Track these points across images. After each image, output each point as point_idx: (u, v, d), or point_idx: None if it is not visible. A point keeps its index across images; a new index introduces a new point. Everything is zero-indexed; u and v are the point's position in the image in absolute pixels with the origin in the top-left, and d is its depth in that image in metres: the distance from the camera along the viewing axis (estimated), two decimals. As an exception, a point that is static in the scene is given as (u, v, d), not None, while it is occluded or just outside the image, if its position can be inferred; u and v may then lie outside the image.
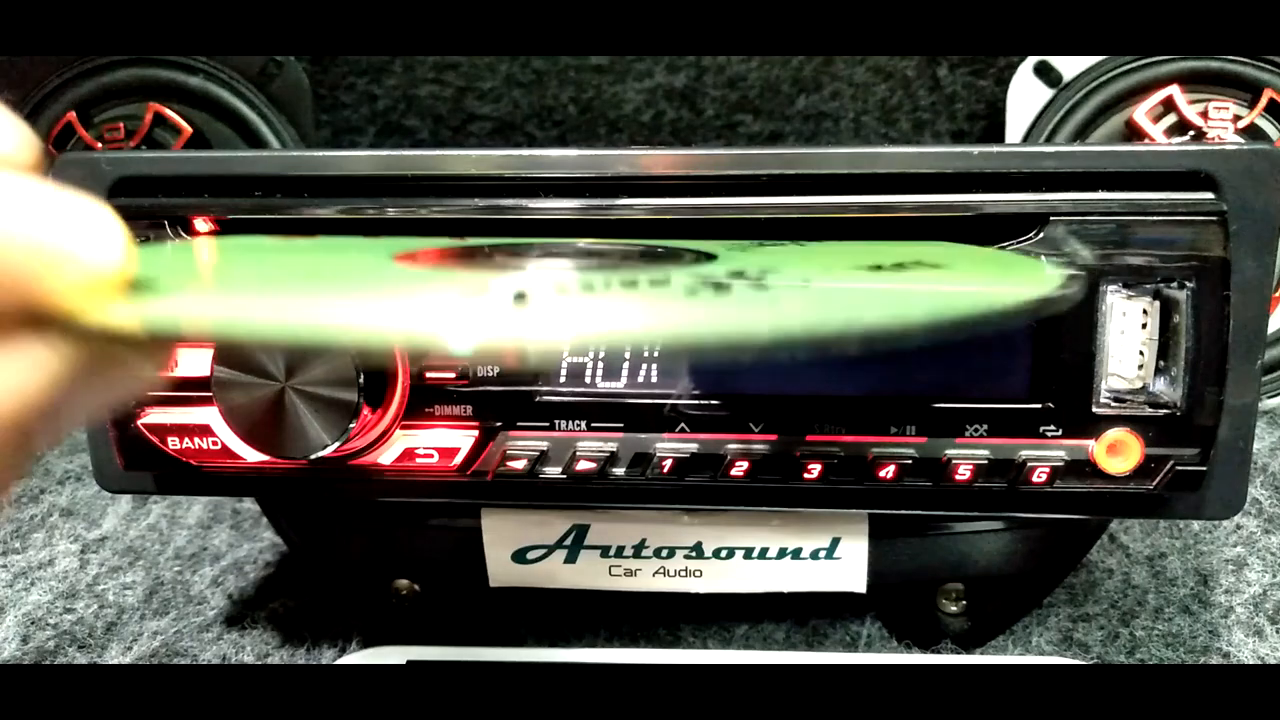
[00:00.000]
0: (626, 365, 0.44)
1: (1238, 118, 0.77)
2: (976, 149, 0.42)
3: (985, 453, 0.43)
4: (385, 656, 0.49)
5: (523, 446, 0.45)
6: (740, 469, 0.44)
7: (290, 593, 0.60)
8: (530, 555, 0.52)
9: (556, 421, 0.45)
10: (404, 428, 0.45)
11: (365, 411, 0.43)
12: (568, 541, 0.52)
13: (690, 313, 0.25)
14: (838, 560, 0.51)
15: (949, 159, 0.42)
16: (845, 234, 0.42)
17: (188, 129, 0.84)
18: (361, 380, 0.43)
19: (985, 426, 0.43)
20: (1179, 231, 0.41)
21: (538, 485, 0.46)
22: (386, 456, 0.46)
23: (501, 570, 0.53)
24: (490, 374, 0.45)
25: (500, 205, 0.43)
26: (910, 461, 0.43)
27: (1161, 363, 0.42)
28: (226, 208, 0.45)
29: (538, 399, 0.45)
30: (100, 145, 0.84)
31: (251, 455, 0.46)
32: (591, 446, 0.45)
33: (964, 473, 0.43)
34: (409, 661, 0.48)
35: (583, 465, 0.45)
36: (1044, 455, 0.43)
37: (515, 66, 0.88)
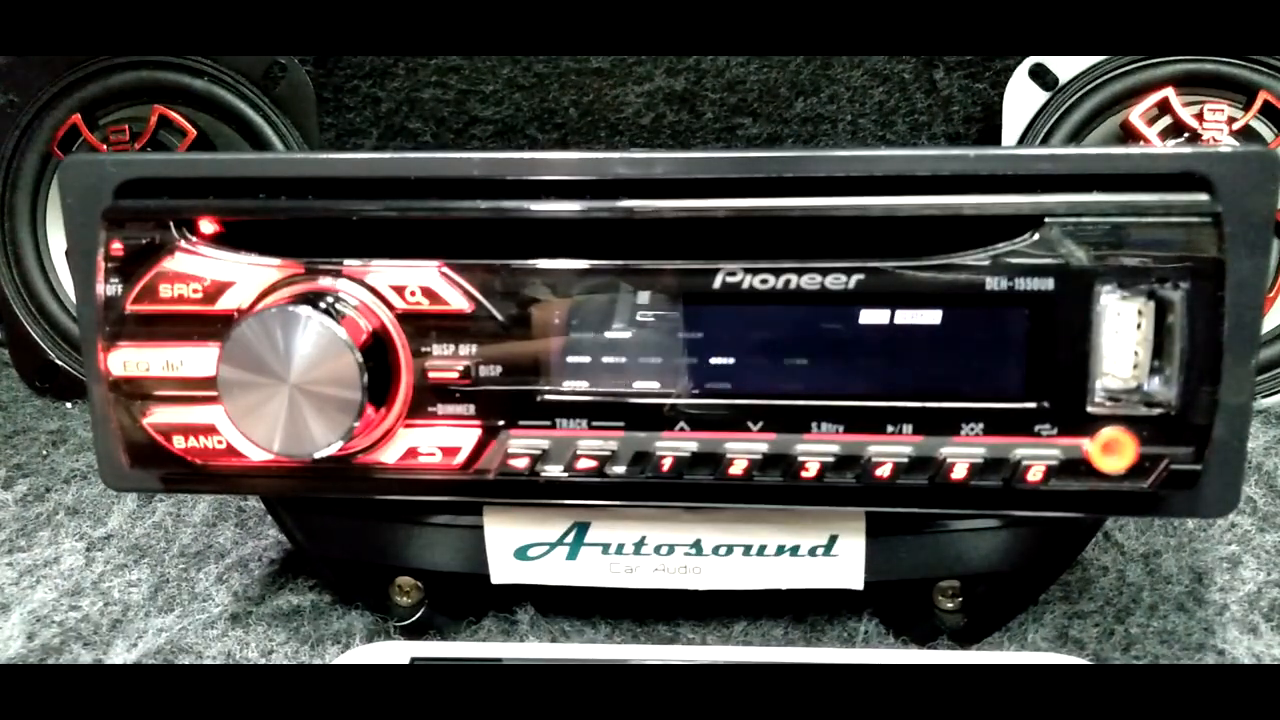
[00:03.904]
0: (627, 365, 0.45)
1: (1232, 120, 0.77)
2: (973, 151, 0.43)
3: (981, 451, 0.44)
4: (388, 653, 0.49)
5: (524, 445, 0.46)
6: (739, 467, 0.45)
7: (294, 590, 0.60)
8: (532, 553, 0.53)
9: (558, 420, 0.46)
10: (407, 426, 0.46)
11: (369, 410, 0.44)
12: (568, 539, 0.52)
13: None
14: (835, 557, 0.51)
15: (945, 161, 0.43)
16: (843, 235, 0.43)
17: (192, 131, 0.85)
18: (365, 379, 0.43)
19: (981, 425, 0.44)
20: (1174, 233, 0.41)
21: (539, 483, 0.46)
22: (390, 455, 0.46)
23: (503, 567, 0.53)
24: (493, 373, 0.45)
25: (502, 207, 0.44)
26: (906, 460, 0.44)
27: (1156, 362, 0.43)
28: (231, 210, 0.45)
29: (539, 398, 0.45)
30: (105, 147, 0.85)
31: (256, 454, 0.46)
32: (592, 445, 0.45)
33: (960, 471, 0.44)
34: (412, 659, 0.49)
35: (583, 463, 0.46)
36: (1039, 454, 0.43)
37: (517, 70, 0.89)
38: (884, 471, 0.44)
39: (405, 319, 0.45)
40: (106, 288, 0.46)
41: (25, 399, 0.89)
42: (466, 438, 0.46)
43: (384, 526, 0.55)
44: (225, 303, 0.45)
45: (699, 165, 0.43)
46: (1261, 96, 0.77)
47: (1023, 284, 0.42)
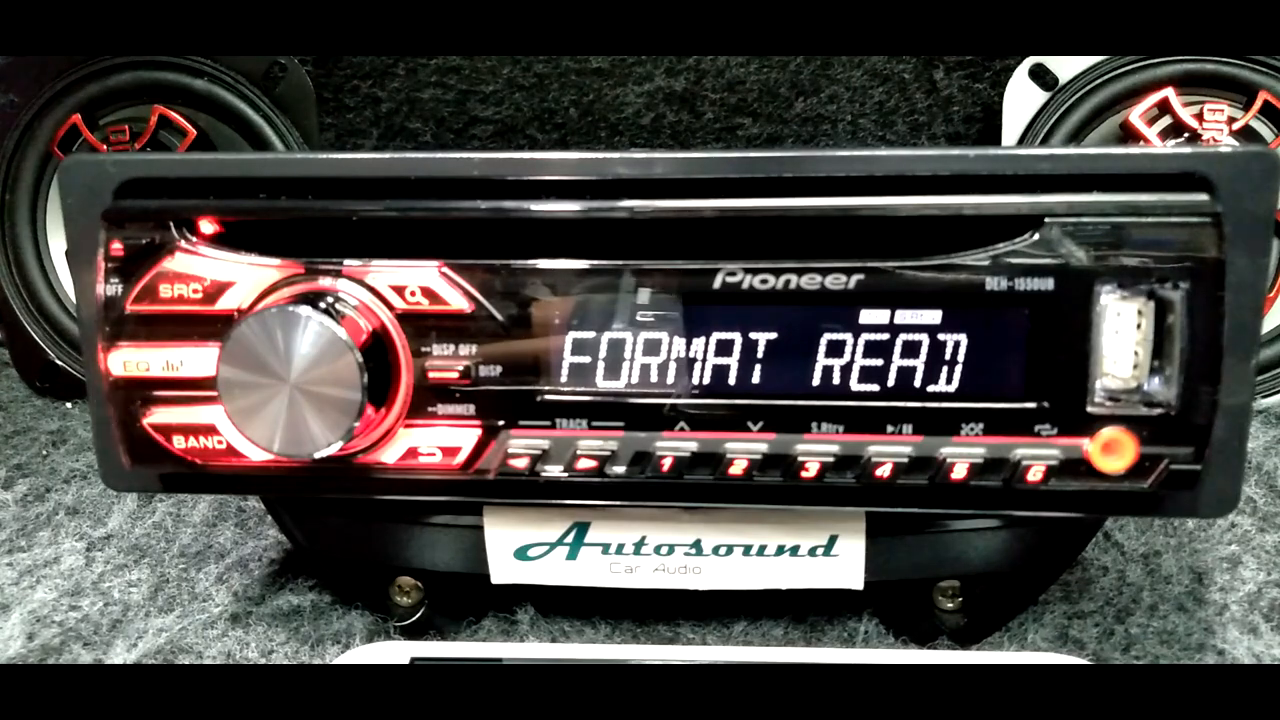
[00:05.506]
0: (627, 365, 0.45)
1: (1232, 120, 0.77)
2: (973, 151, 0.43)
3: (981, 451, 0.44)
4: (388, 653, 0.49)
5: (524, 445, 0.46)
6: (739, 467, 0.45)
7: (294, 590, 0.60)
8: (532, 553, 0.53)
9: (558, 420, 0.46)
10: (407, 426, 0.46)
11: (369, 410, 0.44)
12: (569, 539, 0.52)
13: None
14: (835, 557, 0.51)
15: (945, 161, 0.43)
16: (843, 235, 0.43)
17: (192, 131, 0.85)
18: (365, 379, 0.43)
19: (981, 425, 0.44)
20: (1174, 233, 0.41)
21: (539, 483, 0.46)
22: (390, 455, 0.46)
23: (503, 567, 0.53)
24: (493, 373, 0.45)
25: (503, 207, 0.44)
26: (906, 460, 0.44)
27: (1156, 362, 0.43)
28: (231, 210, 0.45)
29: (539, 398, 0.45)
30: (105, 147, 0.85)
31: (256, 454, 0.46)
32: (592, 445, 0.45)
33: (960, 471, 0.44)
34: (412, 659, 0.49)
35: (584, 464, 0.46)
36: (1039, 454, 0.43)
37: (517, 70, 0.89)
38: (884, 471, 0.44)
39: (405, 319, 0.45)
40: (106, 288, 0.46)
41: (25, 399, 0.89)
42: (466, 438, 0.46)
43: (384, 526, 0.55)
44: (225, 303, 0.45)
45: (699, 165, 0.43)
46: (1261, 96, 0.77)
47: (1023, 284, 0.42)
